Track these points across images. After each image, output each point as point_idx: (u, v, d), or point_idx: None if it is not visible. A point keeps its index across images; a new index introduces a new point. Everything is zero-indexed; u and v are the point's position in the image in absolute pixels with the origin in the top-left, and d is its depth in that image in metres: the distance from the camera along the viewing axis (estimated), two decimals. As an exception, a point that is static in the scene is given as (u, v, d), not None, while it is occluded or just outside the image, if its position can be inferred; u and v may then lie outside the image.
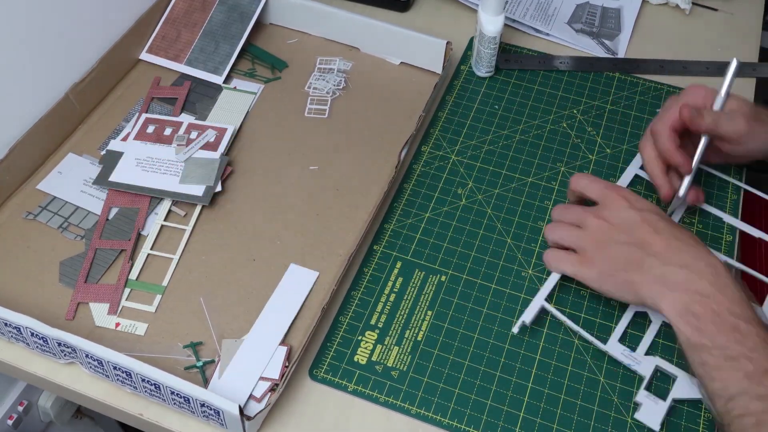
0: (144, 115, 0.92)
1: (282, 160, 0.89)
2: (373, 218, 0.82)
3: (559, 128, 0.94)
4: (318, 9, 1.01)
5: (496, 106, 0.97)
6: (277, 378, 0.70)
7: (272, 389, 0.70)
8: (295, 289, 0.77)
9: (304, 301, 0.77)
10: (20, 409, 1.04)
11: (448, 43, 0.95)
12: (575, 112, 0.97)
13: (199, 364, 0.72)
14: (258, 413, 0.66)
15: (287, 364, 0.71)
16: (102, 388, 0.71)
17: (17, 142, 0.84)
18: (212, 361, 0.72)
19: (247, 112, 0.94)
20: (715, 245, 0.83)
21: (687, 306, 0.66)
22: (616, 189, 0.76)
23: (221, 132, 0.90)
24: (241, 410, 0.63)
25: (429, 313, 0.78)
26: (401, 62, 1.01)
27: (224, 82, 0.97)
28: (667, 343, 0.75)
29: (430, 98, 0.94)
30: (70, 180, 0.86)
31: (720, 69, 1.02)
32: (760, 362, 0.61)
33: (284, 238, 0.82)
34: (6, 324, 0.70)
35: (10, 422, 1.03)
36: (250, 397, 0.70)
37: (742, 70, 1.02)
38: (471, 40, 1.06)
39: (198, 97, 0.96)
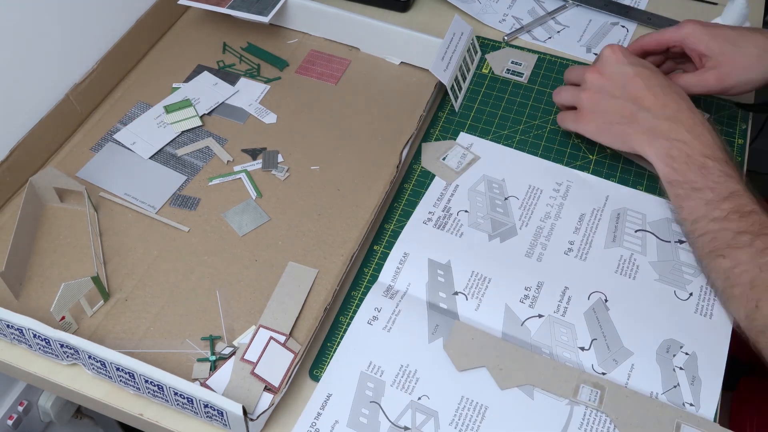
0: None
1: (283, 161, 0.89)
2: (375, 218, 0.82)
3: (560, 128, 0.94)
4: (318, 9, 1.01)
5: (497, 107, 0.97)
6: (277, 385, 0.70)
7: (275, 390, 0.70)
8: (295, 287, 0.78)
9: (306, 301, 0.77)
10: (20, 409, 1.04)
11: (448, 43, 0.95)
12: (575, 111, 0.97)
13: (213, 358, 0.72)
14: (261, 414, 0.66)
15: (291, 369, 0.71)
16: (102, 388, 0.71)
17: (18, 143, 0.84)
18: (224, 357, 0.72)
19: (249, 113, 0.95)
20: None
21: (667, 151, 0.78)
22: (613, 46, 0.84)
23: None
24: (245, 411, 0.63)
25: (431, 313, 0.78)
26: (401, 62, 1.01)
27: (232, 83, 0.98)
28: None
29: (431, 98, 0.94)
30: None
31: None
32: (719, 191, 0.74)
33: (286, 239, 0.82)
34: (8, 326, 0.69)
35: (10, 422, 1.03)
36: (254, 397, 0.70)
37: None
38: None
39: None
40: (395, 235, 0.84)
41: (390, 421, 0.69)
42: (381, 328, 0.75)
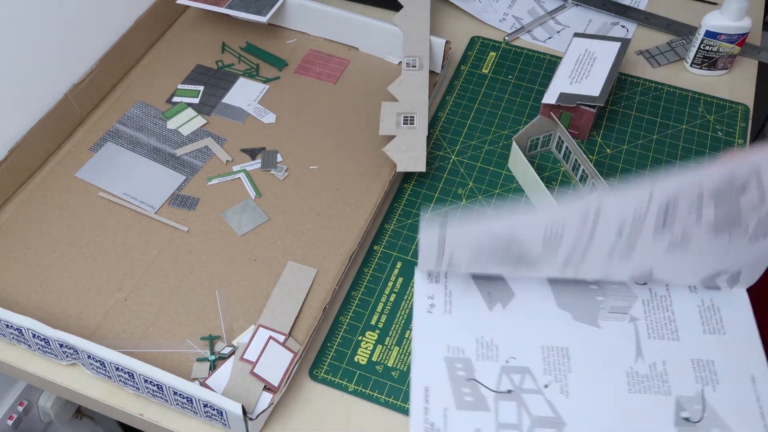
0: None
1: (282, 160, 0.89)
2: (374, 218, 0.82)
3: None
4: (317, 9, 1.01)
5: (497, 106, 0.97)
6: (276, 385, 0.69)
7: (274, 390, 0.70)
8: (295, 286, 0.77)
9: (305, 300, 0.77)
10: (20, 409, 1.04)
11: (447, 42, 0.95)
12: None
13: (212, 358, 0.72)
14: (261, 413, 0.66)
15: (290, 368, 0.71)
16: (102, 389, 0.71)
17: (17, 143, 0.84)
18: (224, 357, 0.72)
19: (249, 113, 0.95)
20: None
21: None
22: None
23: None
24: (245, 410, 0.63)
25: (430, 313, 0.78)
26: (400, 62, 1.01)
27: (231, 82, 0.98)
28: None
29: (430, 98, 0.94)
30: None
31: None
32: None
33: (285, 238, 0.82)
34: (8, 326, 0.69)
35: (10, 422, 1.03)
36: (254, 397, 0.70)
37: (749, 52, 1.03)
38: (471, 40, 1.06)
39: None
40: (395, 235, 0.84)
41: (492, 390, 0.71)
42: (441, 312, 0.77)
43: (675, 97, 0.98)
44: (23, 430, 1.06)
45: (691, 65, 1.00)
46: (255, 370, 0.70)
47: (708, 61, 0.98)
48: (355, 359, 0.74)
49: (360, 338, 0.76)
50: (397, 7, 1.08)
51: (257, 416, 0.65)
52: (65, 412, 1.12)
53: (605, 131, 0.94)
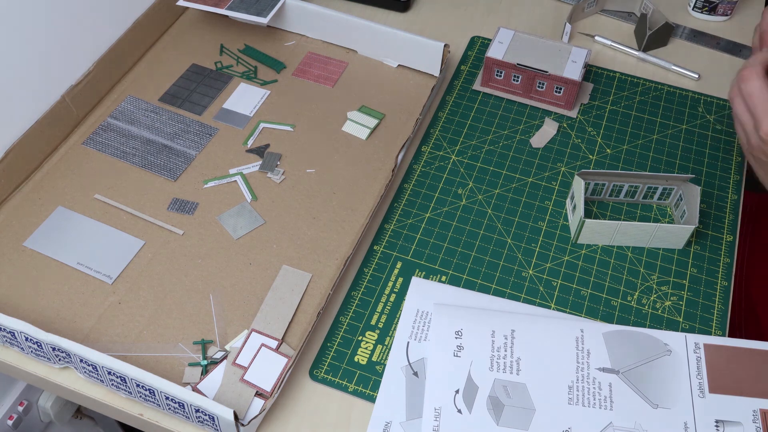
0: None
1: (280, 163, 0.89)
2: (370, 221, 0.82)
3: (560, 128, 0.94)
4: (315, 11, 1.01)
5: (497, 106, 0.96)
6: (269, 391, 0.69)
7: (267, 396, 0.70)
8: (289, 291, 0.77)
9: (300, 305, 0.76)
10: (20, 409, 1.04)
11: (445, 45, 0.94)
12: (575, 111, 0.96)
13: (204, 362, 0.72)
14: (253, 419, 0.66)
15: (283, 374, 0.70)
16: (102, 388, 0.71)
17: (14, 145, 0.84)
18: (215, 362, 0.72)
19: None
20: (715, 245, 0.83)
21: None
22: None
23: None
24: (236, 416, 0.63)
25: (427, 316, 0.78)
26: (399, 65, 1.01)
27: (226, 83, 0.97)
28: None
29: (428, 101, 0.93)
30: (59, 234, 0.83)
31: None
32: None
33: (280, 242, 0.82)
34: (1, 328, 0.69)
35: (10, 422, 1.03)
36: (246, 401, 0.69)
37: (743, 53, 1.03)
38: (471, 40, 1.05)
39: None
40: (396, 235, 0.83)
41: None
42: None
43: (675, 97, 0.98)
44: (23, 430, 1.06)
45: (693, 8, 1.05)
46: (246, 377, 0.70)
47: (709, 5, 1.01)
48: (355, 359, 0.74)
49: (360, 338, 0.76)
50: (397, 8, 1.08)
51: (249, 422, 0.65)
52: (65, 412, 1.12)
53: (605, 131, 0.94)
